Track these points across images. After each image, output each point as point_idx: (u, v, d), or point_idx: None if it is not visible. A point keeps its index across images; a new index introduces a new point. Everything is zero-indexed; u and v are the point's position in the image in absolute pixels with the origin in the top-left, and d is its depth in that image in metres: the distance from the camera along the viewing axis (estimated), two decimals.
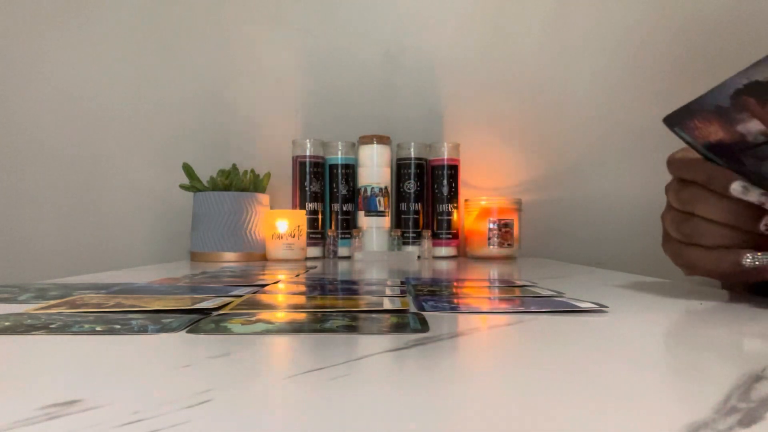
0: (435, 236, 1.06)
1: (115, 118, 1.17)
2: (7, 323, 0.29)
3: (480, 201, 1.03)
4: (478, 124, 1.17)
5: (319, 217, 1.03)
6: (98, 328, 0.28)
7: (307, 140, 1.03)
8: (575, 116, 1.18)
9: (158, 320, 0.30)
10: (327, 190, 1.05)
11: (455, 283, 0.53)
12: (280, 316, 0.32)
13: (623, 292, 0.46)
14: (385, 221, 1.03)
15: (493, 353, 0.26)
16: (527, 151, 1.18)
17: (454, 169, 1.07)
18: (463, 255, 1.09)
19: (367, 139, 1.04)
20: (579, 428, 0.15)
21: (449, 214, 1.06)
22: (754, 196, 0.35)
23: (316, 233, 1.03)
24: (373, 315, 0.33)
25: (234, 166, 0.99)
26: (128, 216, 1.16)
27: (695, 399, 0.18)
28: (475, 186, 1.16)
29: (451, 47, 1.18)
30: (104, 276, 0.58)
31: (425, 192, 1.07)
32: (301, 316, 0.32)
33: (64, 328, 0.28)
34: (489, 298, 0.43)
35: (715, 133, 0.35)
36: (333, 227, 1.04)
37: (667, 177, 0.43)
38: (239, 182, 0.95)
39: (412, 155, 1.05)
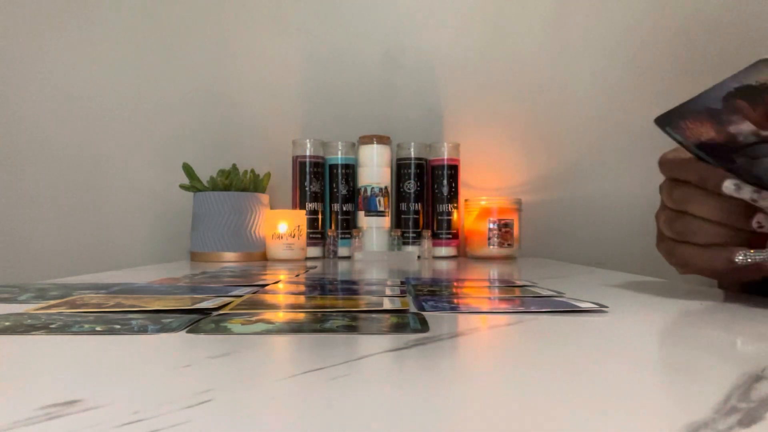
0: (435, 236, 1.06)
1: (115, 118, 1.17)
2: (7, 323, 0.29)
3: (480, 201, 1.03)
4: (478, 124, 1.17)
5: (319, 217, 1.03)
6: (98, 328, 0.28)
7: (307, 140, 1.03)
8: (575, 116, 1.18)
9: (158, 320, 0.30)
10: (327, 190, 1.05)
11: (455, 283, 0.53)
12: (280, 316, 0.32)
13: (623, 292, 0.46)
14: (385, 221, 1.03)
15: (493, 353, 0.26)
16: (527, 151, 1.18)
17: (454, 169, 1.07)
18: (463, 255, 1.09)
19: (367, 139, 1.04)
20: (579, 428, 0.15)
21: (449, 214, 1.06)
22: (746, 193, 0.35)
23: (316, 233, 1.03)
24: (373, 315, 0.33)
25: (234, 166, 0.99)
26: (128, 216, 1.16)
27: (695, 399, 0.18)
28: (475, 186, 1.16)
29: (451, 47, 1.18)
30: (104, 276, 0.58)
31: (425, 192, 1.07)
32: (301, 316, 0.32)
33: (64, 328, 0.28)
34: (489, 298, 0.43)
35: (707, 133, 0.35)
36: (333, 227, 1.04)
37: None
38: (239, 182, 0.95)
39: (412, 155, 1.05)
